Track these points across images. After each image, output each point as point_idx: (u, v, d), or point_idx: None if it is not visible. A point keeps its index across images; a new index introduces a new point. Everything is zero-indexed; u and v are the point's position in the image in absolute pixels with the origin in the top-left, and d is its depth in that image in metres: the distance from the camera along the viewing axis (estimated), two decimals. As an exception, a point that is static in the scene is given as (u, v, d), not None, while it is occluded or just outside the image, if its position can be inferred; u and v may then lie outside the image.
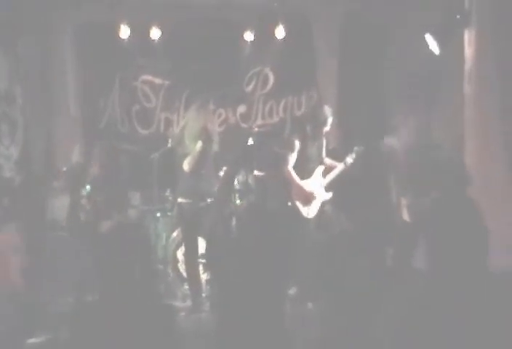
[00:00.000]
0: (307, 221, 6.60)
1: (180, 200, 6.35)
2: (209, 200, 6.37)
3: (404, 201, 6.61)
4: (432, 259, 2.42)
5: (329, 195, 6.76)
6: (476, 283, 2.34)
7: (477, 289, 2.33)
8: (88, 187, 6.42)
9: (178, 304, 6.56)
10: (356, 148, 6.77)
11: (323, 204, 6.70)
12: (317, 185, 6.66)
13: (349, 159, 6.73)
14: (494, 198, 5.14)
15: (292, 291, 6.39)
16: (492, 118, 5.47)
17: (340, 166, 6.74)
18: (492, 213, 3.74)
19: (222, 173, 7.06)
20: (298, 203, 6.61)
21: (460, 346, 2.29)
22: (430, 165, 6.83)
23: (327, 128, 6.62)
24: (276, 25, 7.96)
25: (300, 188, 6.57)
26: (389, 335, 2.44)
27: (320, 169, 6.71)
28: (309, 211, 6.61)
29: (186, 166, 6.17)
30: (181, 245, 6.74)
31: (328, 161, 6.78)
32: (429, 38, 5.98)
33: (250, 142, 7.48)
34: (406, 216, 6.55)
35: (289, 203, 6.71)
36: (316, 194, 6.62)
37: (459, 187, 5.43)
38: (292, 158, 6.55)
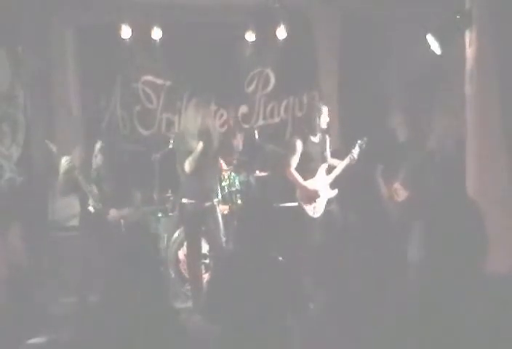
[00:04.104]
0: (313, 220, 6.61)
1: (182, 201, 6.35)
2: (211, 200, 6.38)
3: (398, 185, 6.62)
4: (429, 260, 2.41)
5: (335, 192, 6.75)
6: (475, 286, 2.34)
7: (476, 291, 2.32)
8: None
9: (179, 305, 6.57)
10: (359, 141, 6.76)
11: (328, 202, 6.70)
12: (322, 184, 6.66)
13: (354, 153, 6.71)
14: (494, 198, 5.14)
15: (295, 291, 6.39)
16: (492, 119, 5.46)
17: (343, 163, 6.72)
18: (492, 213, 3.73)
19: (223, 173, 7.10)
20: (303, 203, 6.62)
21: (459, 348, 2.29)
22: (431, 165, 6.85)
23: (329, 127, 6.63)
24: (277, 25, 7.94)
25: (304, 189, 6.58)
26: (390, 335, 2.43)
27: (323, 167, 6.71)
28: (315, 211, 6.61)
29: (187, 166, 6.16)
30: (183, 245, 6.74)
31: (331, 160, 6.78)
32: (430, 39, 5.98)
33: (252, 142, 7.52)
34: (401, 197, 6.56)
35: (295, 203, 6.72)
36: (320, 193, 6.62)
37: (458, 186, 5.44)
38: (295, 159, 6.56)
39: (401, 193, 6.68)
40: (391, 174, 7.08)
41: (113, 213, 6.21)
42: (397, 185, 6.76)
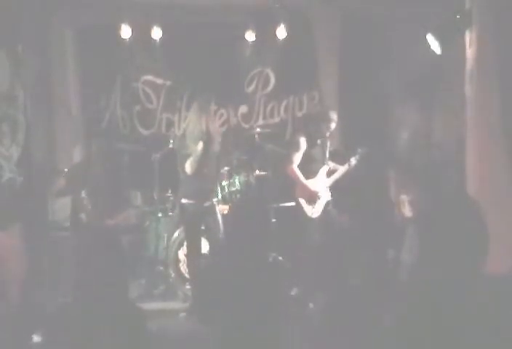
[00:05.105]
0: (311, 221, 6.61)
1: (182, 201, 6.35)
2: (211, 200, 6.38)
3: (405, 198, 6.62)
4: (429, 260, 2.41)
5: (334, 195, 6.77)
6: (474, 286, 2.34)
7: (476, 291, 2.32)
8: (89, 187, 6.44)
9: (179, 305, 6.57)
10: (359, 150, 6.78)
11: (327, 204, 6.71)
12: (321, 185, 6.67)
13: (353, 160, 6.74)
14: (494, 198, 5.13)
15: (293, 291, 6.41)
16: (492, 119, 5.45)
17: (343, 168, 6.75)
18: (492, 213, 3.72)
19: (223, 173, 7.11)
20: (303, 203, 6.63)
21: None
22: (431, 165, 6.85)
23: (330, 128, 6.63)
24: (277, 25, 7.95)
25: (305, 187, 6.59)
26: (389, 335, 2.43)
27: (324, 169, 6.73)
28: (313, 211, 6.62)
29: (188, 167, 6.16)
30: (182, 245, 6.74)
31: (331, 164, 6.79)
32: (430, 39, 5.97)
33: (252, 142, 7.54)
34: (407, 212, 6.58)
35: (294, 203, 6.74)
36: (320, 194, 6.63)
37: (458, 186, 5.44)
38: (297, 157, 6.57)
39: (407, 207, 6.68)
40: (397, 181, 7.10)
41: (106, 222, 6.25)
42: (404, 198, 6.76)
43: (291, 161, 6.58)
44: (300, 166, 6.59)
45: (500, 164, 5.38)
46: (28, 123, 7.00)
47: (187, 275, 6.67)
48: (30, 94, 7.12)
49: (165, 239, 7.15)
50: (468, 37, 5.65)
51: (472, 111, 5.60)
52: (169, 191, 7.30)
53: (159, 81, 8.29)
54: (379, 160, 7.33)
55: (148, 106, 8.31)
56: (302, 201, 6.63)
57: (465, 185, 5.44)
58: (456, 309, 2.26)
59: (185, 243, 6.55)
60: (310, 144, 6.60)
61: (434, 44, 5.96)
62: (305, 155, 6.59)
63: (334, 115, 6.59)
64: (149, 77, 8.27)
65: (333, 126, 6.61)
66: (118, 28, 7.68)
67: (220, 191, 6.99)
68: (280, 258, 6.98)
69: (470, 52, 5.63)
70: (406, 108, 7.84)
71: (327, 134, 6.66)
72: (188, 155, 6.16)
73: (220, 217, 6.35)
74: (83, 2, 7.63)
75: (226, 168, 7.21)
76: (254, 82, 8.43)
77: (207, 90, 7.51)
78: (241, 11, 7.97)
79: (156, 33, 7.82)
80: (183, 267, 6.78)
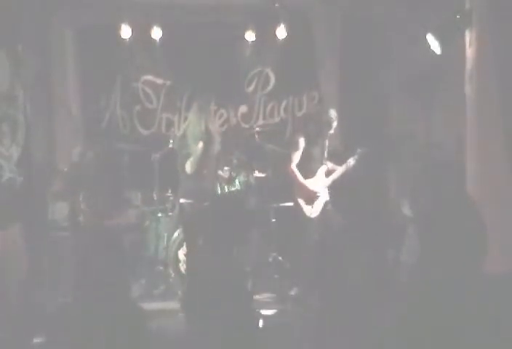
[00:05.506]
0: (310, 220, 6.62)
1: (181, 201, 6.36)
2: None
3: (404, 198, 6.63)
4: (429, 260, 2.41)
5: (333, 195, 6.77)
6: (474, 286, 2.34)
7: (475, 291, 2.32)
8: (88, 188, 6.44)
9: (179, 304, 6.57)
10: (358, 150, 6.79)
11: (326, 204, 6.72)
12: (320, 185, 6.68)
13: (351, 161, 6.75)
14: (494, 198, 5.13)
15: (293, 291, 6.41)
16: (492, 118, 5.45)
17: (342, 168, 6.76)
18: (492, 213, 3.73)
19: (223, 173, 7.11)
20: (301, 202, 6.63)
21: None
22: (431, 165, 6.85)
23: (331, 128, 6.63)
24: (277, 25, 7.95)
25: (304, 187, 6.60)
26: (389, 335, 2.43)
27: (323, 169, 6.73)
28: (312, 211, 6.63)
29: (188, 167, 6.17)
30: (182, 245, 6.75)
31: (330, 164, 6.80)
32: (430, 38, 5.98)
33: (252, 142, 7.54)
34: (407, 212, 6.58)
35: (292, 203, 6.74)
36: (319, 194, 6.64)
37: (458, 186, 5.44)
38: (296, 156, 6.58)
39: (407, 207, 6.68)
40: (397, 181, 7.10)
41: (106, 222, 6.25)
42: (404, 198, 6.77)
43: (290, 160, 6.60)
44: (298, 166, 6.59)
45: (500, 164, 5.38)
46: (28, 123, 6.99)
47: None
48: (30, 94, 7.12)
49: (165, 239, 7.15)
50: (468, 37, 5.64)
51: (472, 111, 5.59)
52: (169, 191, 7.31)
53: (159, 81, 8.30)
54: (378, 160, 7.33)
55: (148, 106, 8.31)
56: (300, 200, 6.64)
57: (465, 185, 5.44)
58: (456, 309, 2.25)
59: (185, 243, 6.55)
60: (310, 144, 6.61)
61: (434, 44, 5.96)
62: (304, 154, 6.59)
63: (334, 115, 6.59)
64: (149, 77, 8.27)
65: (333, 126, 6.62)
66: (118, 28, 7.68)
67: (219, 191, 6.99)
68: (280, 258, 6.99)
69: (470, 52, 5.62)
70: (406, 108, 7.84)
71: (328, 134, 6.66)
72: (188, 155, 6.17)
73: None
74: (83, 2, 7.63)
75: (226, 168, 7.21)
76: (254, 82, 8.44)
77: (207, 90, 7.52)
78: (241, 11, 7.97)
79: (156, 33, 7.82)
80: (183, 267, 6.78)
